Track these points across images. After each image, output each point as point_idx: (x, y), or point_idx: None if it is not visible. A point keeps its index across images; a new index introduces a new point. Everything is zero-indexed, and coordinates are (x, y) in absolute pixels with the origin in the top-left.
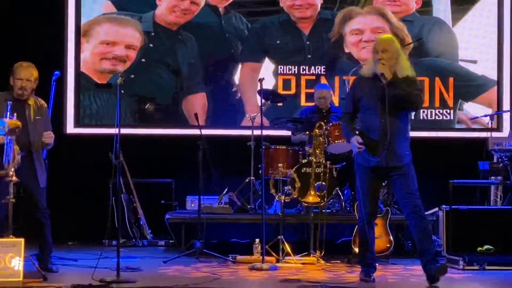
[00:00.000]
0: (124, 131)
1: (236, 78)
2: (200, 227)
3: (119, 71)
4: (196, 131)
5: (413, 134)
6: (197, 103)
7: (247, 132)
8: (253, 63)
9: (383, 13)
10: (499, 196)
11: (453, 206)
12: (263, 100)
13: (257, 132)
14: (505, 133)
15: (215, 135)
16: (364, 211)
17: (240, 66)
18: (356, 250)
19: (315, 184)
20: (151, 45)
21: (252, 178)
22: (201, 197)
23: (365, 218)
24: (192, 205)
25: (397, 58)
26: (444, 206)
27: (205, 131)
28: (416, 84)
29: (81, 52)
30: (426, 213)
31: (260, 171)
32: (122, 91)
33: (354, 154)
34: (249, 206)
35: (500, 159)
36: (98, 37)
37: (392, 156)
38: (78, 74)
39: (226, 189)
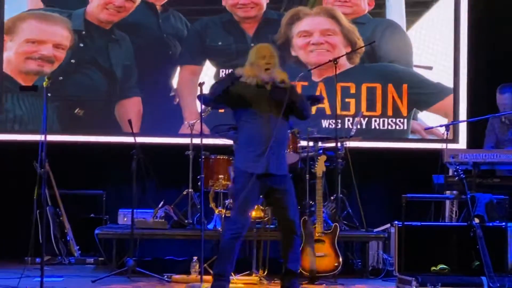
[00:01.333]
0: (51, 138)
1: (174, 82)
2: (133, 243)
3: (46, 73)
4: (130, 139)
5: (364, 144)
6: (131, 108)
7: (186, 141)
8: (193, 66)
9: (333, 14)
10: (454, 212)
11: (405, 223)
12: (203, 106)
13: (196, 141)
14: (461, 144)
15: (150, 143)
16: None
17: (178, 69)
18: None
19: None
20: (81, 44)
21: (190, 190)
22: (135, 210)
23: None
24: (125, 219)
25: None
26: (396, 222)
27: (140, 139)
28: None
29: (4, 51)
30: (377, 229)
31: (199, 183)
32: (49, 95)
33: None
34: (186, 221)
35: (455, 173)
36: (23, 35)
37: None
38: (1, 75)
39: (161, 202)
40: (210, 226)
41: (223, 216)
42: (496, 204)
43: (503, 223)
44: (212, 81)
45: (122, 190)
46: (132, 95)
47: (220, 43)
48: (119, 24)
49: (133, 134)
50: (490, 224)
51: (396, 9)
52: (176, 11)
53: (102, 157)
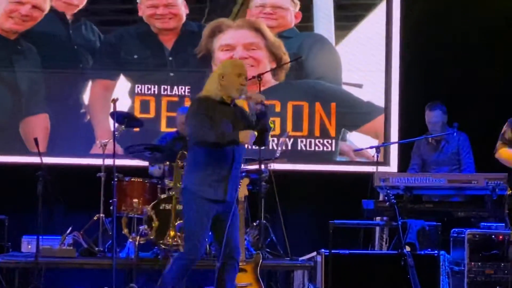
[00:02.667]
0: None
1: (86, 97)
2: (38, 273)
3: None
4: (36, 159)
5: (289, 166)
6: (37, 126)
7: (97, 161)
8: (106, 80)
9: (257, 27)
10: (384, 239)
11: (333, 251)
12: (116, 124)
13: (108, 162)
14: (392, 167)
15: (58, 164)
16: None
17: (90, 83)
18: None
19: (176, 224)
20: None
21: (101, 215)
22: (40, 237)
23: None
24: (29, 246)
25: None
26: (323, 250)
27: (47, 159)
28: None
29: None
30: (303, 258)
31: (111, 207)
32: None
33: None
34: (97, 249)
35: (386, 197)
36: None
37: None
38: None
39: (70, 228)
40: (123, 254)
41: (136, 243)
42: (428, 231)
43: (436, 251)
44: (127, 97)
45: (26, 214)
46: (38, 111)
47: (135, 56)
48: (25, 34)
49: (39, 154)
50: (422, 252)
51: (324, 23)
52: (89, 21)
53: (4, 179)
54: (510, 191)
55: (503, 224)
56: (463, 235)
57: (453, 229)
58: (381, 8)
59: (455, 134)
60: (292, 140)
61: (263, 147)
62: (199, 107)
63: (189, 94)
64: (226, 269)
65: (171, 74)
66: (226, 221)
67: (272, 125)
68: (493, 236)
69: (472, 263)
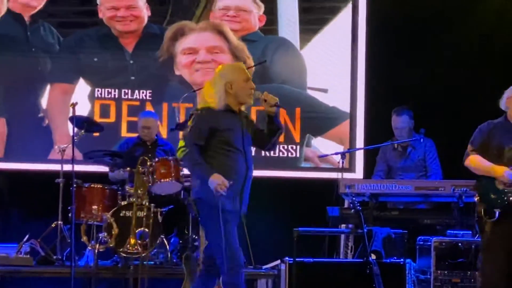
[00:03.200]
0: None
1: (44, 101)
2: None
3: None
4: None
5: (253, 173)
6: None
7: (56, 167)
8: (65, 84)
9: (221, 30)
10: (350, 247)
11: (297, 259)
12: (75, 129)
13: (67, 167)
14: (358, 174)
15: (14, 169)
16: None
17: (48, 87)
18: None
19: (136, 231)
20: None
21: (59, 222)
22: None
23: None
24: None
25: None
26: (287, 258)
27: (3, 165)
28: None
29: None
30: (266, 266)
31: (70, 214)
32: None
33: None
34: (55, 257)
35: (352, 204)
36: None
37: None
38: None
39: (27, 236)
40: (82, 262)
41: (96, 251)
42: (394, 239)
43: (401, 260)
44: (87, 102)
45: None
46: None
47: (95, 60)
48: None
49: None
50: (388, 260)
51: (289, 26)
52: (47, 23)
53: None
54: (478, 198)
55: (470, 232)
56: (429, 243)
57: (419, 237)
58: (347, 11)
59: (421, 140)
60: None
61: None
62: (199, 120)
63: (150, 98)
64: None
65: (132, 77)
66: None
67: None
68: (460, 244)
69: (439, 271)
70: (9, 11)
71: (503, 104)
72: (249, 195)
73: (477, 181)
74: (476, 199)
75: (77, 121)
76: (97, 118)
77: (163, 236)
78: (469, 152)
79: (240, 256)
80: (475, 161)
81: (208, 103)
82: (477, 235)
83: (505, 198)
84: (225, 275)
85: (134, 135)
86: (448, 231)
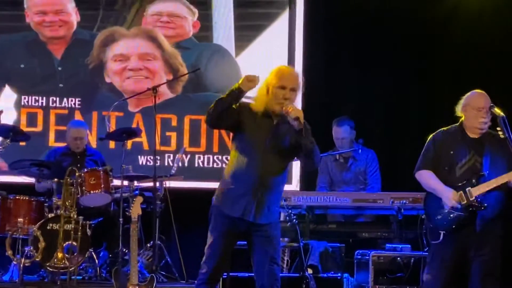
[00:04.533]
0: None
1: None
2: None
3: None
4: None
5: (186, 184)
6: None
7: None
8: None
9: (153, 36)
10: (285, 261)
11: (231, 273)
12: (0, 138)
13: None
14: (294, 186)
15: None
16: None
17: None
18: None
19: (64, 245)
20: None
21: None
22: None
23: None
24: None
25: None
26: None
27: None
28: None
29: None
30: None
31: None
32: None
33: None
34: None
35: (288, 217)
36: None
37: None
38: None
39: None
40: (6, 277)
41: (21, 265)
42: (331, 253)
43: (339, 274)
44: (13, 110)
45: None
46: None
47: (22, 66)
48: None
49: None
50: (325, 275)
51: (224, 33)
52: None
53: None
54: (425, 216)
55: (409, 246)
56: (367, 257)
57: (357, 251)
58: (284, 18)
59: (360, 151)
60: (189, 156)
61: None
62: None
63: (79, 106)
64: None
65: (61, 85)
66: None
67: (311, 145)
68: (399, 258)
69: (377, 286)
70: None
71: (460, 109)
72: (267, 205)
73: (425, 197)
74: (423, 216)
75: (2, 130)
76: (23, 127)
77: (91, 250)
78: (420, 166)
79: (203, 268)
80: (425, 177)
81: (254, 100)
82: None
83: (450, 220)
84: None
85: (62, 144)
86: (387, 244)
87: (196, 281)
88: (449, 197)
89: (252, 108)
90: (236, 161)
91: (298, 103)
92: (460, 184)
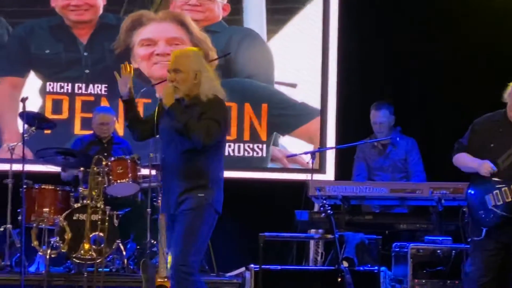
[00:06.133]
0: None
1: None
2: None
3: None
4: None
5: None
6: None
7: (4, 167)
8: (14, 77)
9: (181, 20)
10: (320, 254)
11: (263, 266)
12: (25, 126)
13: (17, 167)
14: (329, 175)
15: None
16: None
17: None
18: None
19: (91, 236)
20: None
21: (8, 226)
22: None
23: None
24: None
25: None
26: (252, 265)
27: None
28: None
29: None
30: (230, 273)
31: (19, 217)
32: None
33: None
34: (3, 263)
35: (322, 208)
36: None
37: None
38: None
39: None
40: (32, 268)
41: (47, 257)
42: (368, 245)
43: (376, 267)
44: (38, 97)
45: None
46: None
47: (47, 51)
48: None
49: None
50: (361, 268)
51: (255, 16)
52: None
53: None
54: (467, 209)
55: (450, 238)
56: (405, 250)
57: (395, 243)
58: (318, 0)
59: (398, 139)
60: None
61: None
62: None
63: (106, 93)
64: None
65: (86, 71)
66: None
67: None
68: (439, 251)
69: (416, 280)
70: None
71: (506, 96)
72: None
73: (467, 191)
74: (464, 208)
75: (28, 117)
76: (48, 114)
77: (119, 241)
78: (456, 150)
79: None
80: (460, 159)
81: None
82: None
83: (493, 218)
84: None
85: (89, 132)
86: (426, 237)
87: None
88: (484, 167)
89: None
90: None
91: (333, 83)
92: (502, 179)
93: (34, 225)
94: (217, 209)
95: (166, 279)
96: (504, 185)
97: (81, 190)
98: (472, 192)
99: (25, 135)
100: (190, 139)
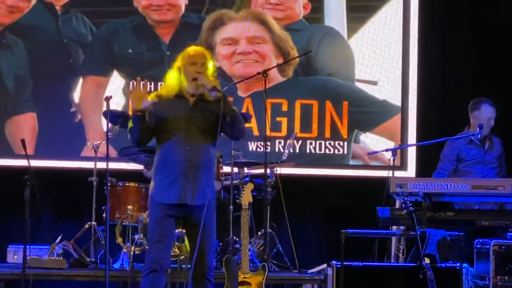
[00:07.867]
0: None
1: (76, 95)
2: (25, 285)
3: None
4: (23, 162)
5: (297, 171)
6: (24, 125)
7: (89, 165)
8: (98, 77)
9: (262, 19)
10: (401, 250)
11: (345, 262)
12: (109, 124)
13: (101, 165)
14: (410, 172)
15: (47, 167)
16: None
17: (81, 80)
18: None
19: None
20: None
21: (93, 223)
22: (28, 246)
23: None
24: (15, 257)
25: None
26: (334, 262)
27: (35, 162)
28: None
29: None
30: (312, 270)
31: (104, 215)
32: None
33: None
34: (88, 259)
35: (403, 205)
36: None
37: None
38: None
39: (59, 237)
40: (116, 265)
41: (131, 253)
42: (449, 242)
43: (458, 264)
44: (121, 95)
45: (12, 222)
46: (25, 110)
47: (130, 51)
48: (11, 26)
49: (26, 156)
50: (443, 264)
51: (336, 14)
52: (79, 12)
53: None
54: None
55: None
56: (488, 246)
57: (477, 240)
58: None
59: (479, 136)
60: (300, 142)
61: (236, 139)
62: None
63: None
64: None
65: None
66: (195, 231)
67: (233, 112)
68: None
69: (498, 277)
70: (40, 0)
71: None
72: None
73: None
74: None
75: (111, 116)
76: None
77: None
78: None
79: (149, 257)
80: None
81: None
82: None
83: None
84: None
85: None
86: (509, 233)
87: None
88: None
89: (164, 96)
90: (162, 149)
91: (413, 80)
92: None
93: (118, 222)
94: None
95: (249, 276)
96: None
97: None
98: None
99: (109, 134)
100: (236, 127)
